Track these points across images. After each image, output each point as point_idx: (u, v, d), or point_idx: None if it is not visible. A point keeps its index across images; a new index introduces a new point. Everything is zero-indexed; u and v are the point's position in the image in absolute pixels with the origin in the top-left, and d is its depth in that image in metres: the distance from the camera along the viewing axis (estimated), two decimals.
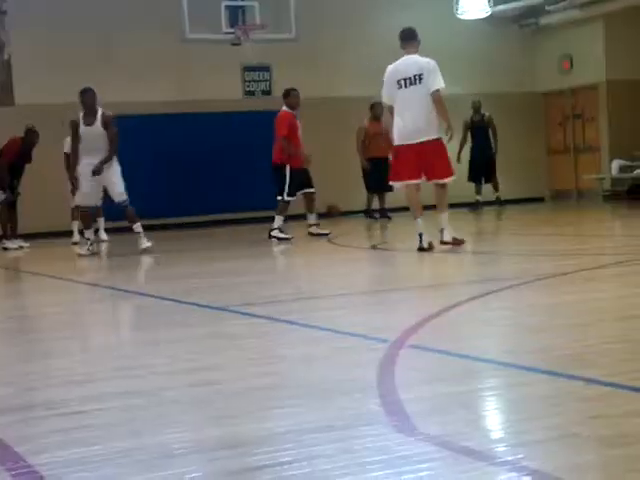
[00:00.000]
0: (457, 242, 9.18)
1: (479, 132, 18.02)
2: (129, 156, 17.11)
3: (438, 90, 9.03)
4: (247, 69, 18.78)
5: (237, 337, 4.71)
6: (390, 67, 9.34)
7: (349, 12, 19.10)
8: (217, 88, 18.35)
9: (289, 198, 12.66)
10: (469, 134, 17.89)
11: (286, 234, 12.43)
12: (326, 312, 5.45)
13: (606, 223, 13.89)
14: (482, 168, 17.94)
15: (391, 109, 9.26)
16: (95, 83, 16.69)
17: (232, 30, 15.54)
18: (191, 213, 18.08)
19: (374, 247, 10.84)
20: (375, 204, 16.55)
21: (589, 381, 3.16)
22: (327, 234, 12.42)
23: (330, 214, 18.89)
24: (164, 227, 17.36)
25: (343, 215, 18.46)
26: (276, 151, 12.81)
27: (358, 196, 17.41)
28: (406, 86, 9.09)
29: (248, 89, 18.95)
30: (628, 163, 18.98)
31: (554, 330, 4.33)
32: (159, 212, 17.72)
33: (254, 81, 18.96)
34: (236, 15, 15.63)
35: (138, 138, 17.59)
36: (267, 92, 19.03)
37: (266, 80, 19.02)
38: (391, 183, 9.55)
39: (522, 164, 20.71)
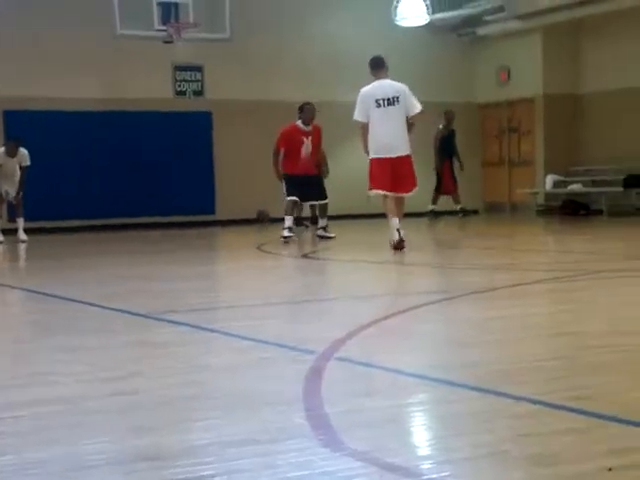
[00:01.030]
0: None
1: (449, 143, 18.33)
2: (57, 153, 17.00)
3: (421, 112, 10.44)
4: (179, 68, 18.70)
5: (160, 345, 4.66)
6: (366, 89, 10.54)
7: (285, 15, 19.14)
8: (148, 87, 18.24)
9: (289, 198, 13.03)
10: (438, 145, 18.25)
11: (291, 233, 12.74)
12: (252, 321, 5.42)
13: (539, 238, 14.09)
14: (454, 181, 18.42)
15: (364, 127, 10.43)
16: (25, 78, 16.64)
17: (164, 28, 15.43)
18: (119, 215, 17.89)
19: (305, 256, 10.84)
20: (306, 212, 16.58)
21: (519, 399, 3.20)
22: (332, 237, 13.10)
23: (260, 220, 18.87)
24: (90, 228, 17.17)
25: (274, 221, 18.44)
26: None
27: None
28: (385, 105, 10.33)
29: (179, 89, 18.86)
30: (562, 178, 19.33)
31: (485, 345, 4.37)
32: (85, 213, 17.54)
33: (185, 81, 18.88)
34: (169, 12, 15.52)
35: (66, 135, 17.39)
36: (199, 93, 18.97)
37: (198, 80, 18.95)
38: (373, 191, 10.51)
39: (457, 175, 20.91)
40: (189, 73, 18.89)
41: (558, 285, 7.03)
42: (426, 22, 19.35)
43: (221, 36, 15.81)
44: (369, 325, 4.99)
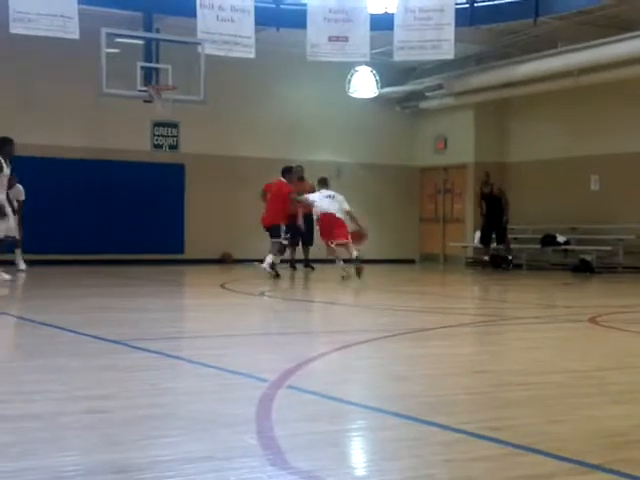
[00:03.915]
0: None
1: (491, 202, 18.02)
2: (43, 195, 16.86)
3: (350, 210, 13.65)
4: (157, 125, 18.69)
5: (130, 369, 4.62)
6: (316, 194, 14.11)
7: (254, 83, 19.24)
8: (128, 139, 18.20)
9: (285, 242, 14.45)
10: (483, 204, 18.12)
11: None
12: (214, 351, 5.41)
13: (466, 286, 14.21)
14: (489, 233, 18.05)
15: (308, 202, 13.90)
16: (15, 126, 16.53)
17: (145, 89, 15.44)
18: (99, 251, 17.74)
19: (262, 294, 10.82)
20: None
21: (444, 427, 3.22)
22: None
23: (224, 261, 18.84)
24: (72, 262, 16.97)
25: (236, 262, 18.42)
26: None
27: (250, 244, 17.50)
28: (327, 198, 13.72)
29: (156, 143, 18.84)
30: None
31: (415, 379, 4.40)
32: (70, 248, 17.36)
33: (162, 136, 18.89)
34: (150, 75, 15.54)
35: (51, 179, 17.27)
36: (174, 147, 18.99)
37: (174, 136, 18.96)
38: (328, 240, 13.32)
39: (397, 229, 21.11)
40: (166, 129, 18.89)
41: (480, 328, 7.10)
42: (375, 95, 19.56)
43: (196, 98, 15.83)
44: (316, 358, 5.00)
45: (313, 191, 15.92)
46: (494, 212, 17.99)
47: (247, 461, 2.75)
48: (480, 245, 18.50)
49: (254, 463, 2.73)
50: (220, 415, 3.45)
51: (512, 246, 18.80)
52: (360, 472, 2.79)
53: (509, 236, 18.25)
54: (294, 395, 3.93)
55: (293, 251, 16.21)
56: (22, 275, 13.48)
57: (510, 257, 17.92)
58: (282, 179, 14.28)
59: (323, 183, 14.48)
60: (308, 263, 16.42)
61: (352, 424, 3.43)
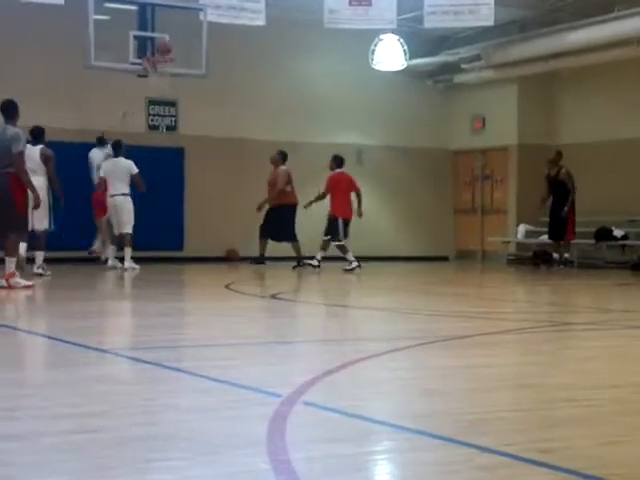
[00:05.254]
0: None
1: (555, 188, 17.48)
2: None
3: None
4: (152, 102, 18.71)
5: (122, 382, 4.63)
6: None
7: (262, 55, 19.22)
8: (119, 120, 18.19)
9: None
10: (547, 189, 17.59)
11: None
12: (218, 362, 5.41)
13: (509, 287, 14.17)
14: (552, 226, 17.53)
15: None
16: None
17: (139, 61, 15.45)
18: (87, 247, 17.76)
19: (274, 296, 10.83)
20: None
21: (483, 449, 3.21)
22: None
23: (229, 259, 18.84)
24: (57, 260, 17.01)
25: (242, 260, 18.44)
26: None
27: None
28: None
29: (152, 123, 18.85)
30: (534, 228, 19.39)
31: (450, 394, 4.38)
32: (54, 244, 17.37)
33: (159, 115, 18.89)
34: (145, 46, 15.54)
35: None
36: (172, 128, 18.96)
37: (172, 115, 18.96)
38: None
39: (428, 221, 21.05)
40: (163, 107, 18.89)
41: (525, 336, 7.07)
42: (403, 67, 19.49)
43: (196, 72, 15.84)
44: (336, 370, 4.99)
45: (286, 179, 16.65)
46: (556, 200, 17.48)
47: None
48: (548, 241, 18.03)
49: None
50: (226, 435, 3.44)
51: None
52: None
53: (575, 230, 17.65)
54: (311, 412, 3.92)
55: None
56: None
57: (563, 256, 17.59)
58: (343, 170, 16.10)
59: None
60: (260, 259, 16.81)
61: (378, 445, 3.42)
